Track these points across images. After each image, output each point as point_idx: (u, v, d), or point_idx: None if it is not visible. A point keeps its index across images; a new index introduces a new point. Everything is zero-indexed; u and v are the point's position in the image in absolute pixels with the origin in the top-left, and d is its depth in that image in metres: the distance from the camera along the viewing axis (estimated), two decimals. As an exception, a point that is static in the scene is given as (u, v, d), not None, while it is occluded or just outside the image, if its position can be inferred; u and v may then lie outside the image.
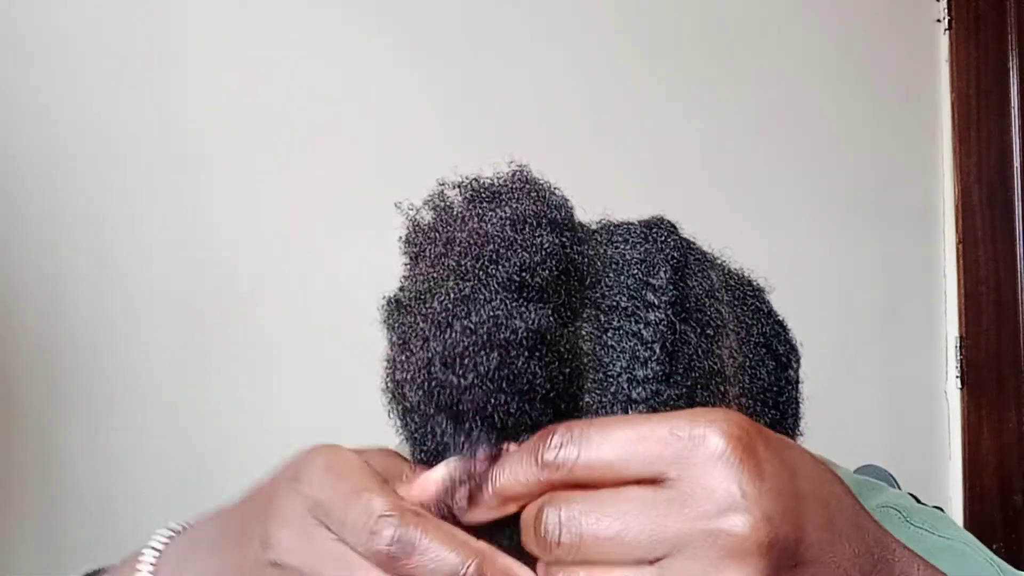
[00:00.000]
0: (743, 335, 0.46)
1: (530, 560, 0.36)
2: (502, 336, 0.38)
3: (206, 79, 1.16)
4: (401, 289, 0.43)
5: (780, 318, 0.49)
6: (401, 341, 0.41)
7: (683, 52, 1.54)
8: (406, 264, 0.44)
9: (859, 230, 1.69)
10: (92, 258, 1.09)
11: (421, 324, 0.40)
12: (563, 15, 1.43)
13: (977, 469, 1.77)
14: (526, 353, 0.38)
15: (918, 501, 0.75)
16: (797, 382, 0.48)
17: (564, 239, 0.42)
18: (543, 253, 0.40)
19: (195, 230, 1.15)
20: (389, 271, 0.45)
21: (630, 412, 0.39)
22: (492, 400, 0.37)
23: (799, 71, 1.65)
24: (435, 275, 0.41)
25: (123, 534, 1.02)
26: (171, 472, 1.11)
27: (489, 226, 0.41)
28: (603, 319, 0.41)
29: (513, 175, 0.44)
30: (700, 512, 0.32)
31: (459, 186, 0.44)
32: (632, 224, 0.46)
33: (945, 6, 1.82)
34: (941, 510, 0.68)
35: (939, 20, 1.83)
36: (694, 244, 0.47)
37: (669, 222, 0.46)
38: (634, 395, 0.40)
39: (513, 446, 0.38)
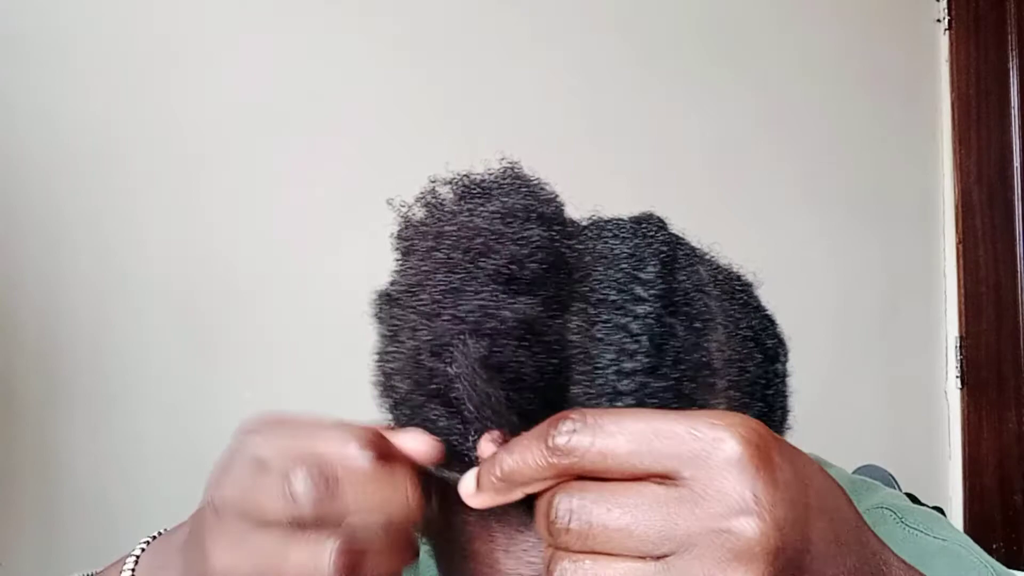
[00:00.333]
0: (731, 329, 0.46)
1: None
2: (490, 325, 0.38)
3: (206, 79, 1.17)
4: (392, 283, 0.44)
5: (769, 312, 0.49)
6: (391, 333, 0.42)
7: (683, 52, 1.55)
8: (397, 259, 0.44)
9: (859, 230, 1.69)
10: (92, 258, 1.09)
11: (411, 316, 0.41)
12: (563, 15, 1.43)
13: (977, 469, 1.77)
14: (514, 343, 0.39)
15: (918, 501, 0.75)
16: (785, 375, 0.49)
17: (553, 233, 0.42)
18: (531, 246, 0.41)
19: (195, 230, 1.15)
20: (389, 271, 0.45)
21: (617, 404, 0.40)
22: (480, 388, 0.38)
23: (799, 71, 1.65)
24: (425, 268, 0.41)
25: (123, 534, 1.02)
26: (171, 472, 1.11)
27: (478, 220, 0.42)
28: (592, 312, 0.42)
29: (504, 171, 0.45)
30: (711, 513, 0.32)
31: (450, 182, 0.45)
32: (622, 219, 0.46)
33: (945, 6, 1.82)
34: (941, 510, 0.68)
35: (939, 20, 1.83)
36: (683, 239, 0.47)
37: (659, 217, 0.46)
38: (621, 387, 0.40)
39: (498, 432, 0.38)
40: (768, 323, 0.49)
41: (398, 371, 0.41)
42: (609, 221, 0.46)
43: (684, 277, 0.44)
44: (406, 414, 0.41)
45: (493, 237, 0.41)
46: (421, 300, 0.40)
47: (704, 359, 0.43)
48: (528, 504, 0.36)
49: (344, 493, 0.37)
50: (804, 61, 1.66)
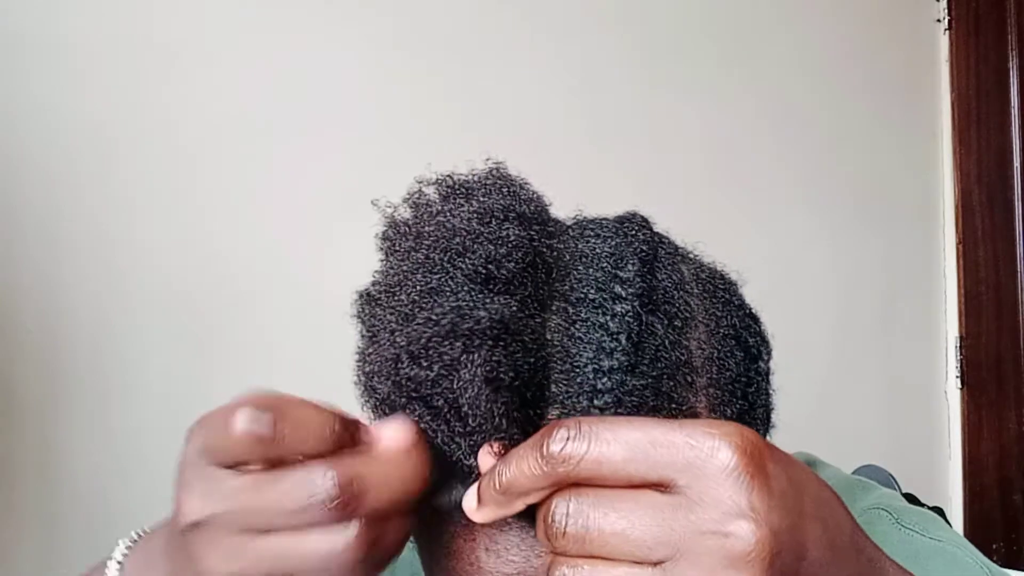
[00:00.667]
0: (712, 327, 0.46)
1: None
2: (465, 326, 0.39)
3: (205, 79, 1.17)
4: (373, 283, 0.44)
5: (752, 310, 0.49)
6: (370, 334, 0.42)
7: (683, 52, 1.55)
8: (380, 259, 0.44)
9: (859, 230, 1.69)
10: (92, 258, 1.09)
11: (388, 316, 0.41)
12: (563, 15, 1.43)
13: (977, 469, 1.77)
14: (490, 342, 0.39)
15: (918, 502, 0.75)
16: (768, 374, 0.49)
17: (532, 233, 0.42)
18: (508, 246, 0.41)
19: (195, 230, 1.15)
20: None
21: (595, 402, 0.40)
22: (457, 389, 0.38)
23: (799, 71, 1.65)
24: (404, 268, 0.42)
25: (123, 534, 1.02)
26: (171, 472, 1.10)
27: (456, 220, 0.42)
28: (571, 311, 0.42)
29: (488, 171, 0.45)
30: (707, 519, 0.32)
31: (435, 183, 0.45)
32: (605, 219, 0.46)
33: (945, 6, 1.82)
34: (941, 510, 0.68)
35: (939, 20, 1.83)
36: (665, 237, 0.47)
37: (642, 216, 0.46)
38: (599, 385, 0.40)
39: (497, 445, 0.38)
40: (751, 321, 0.49)
41: (377, 372, 0.41)
42: (592, 221, 0.46)
43: (664, 275, 0.44)
44: (387, 415, 0.42)
45: (471, 237, 0.41)
46: (399, 300, 0.41)
47: (684, 357, 0.43)
48: (531, 516, 0.36)
49: (364, 481, 0.38)
50: (804, 61, 1.66)
